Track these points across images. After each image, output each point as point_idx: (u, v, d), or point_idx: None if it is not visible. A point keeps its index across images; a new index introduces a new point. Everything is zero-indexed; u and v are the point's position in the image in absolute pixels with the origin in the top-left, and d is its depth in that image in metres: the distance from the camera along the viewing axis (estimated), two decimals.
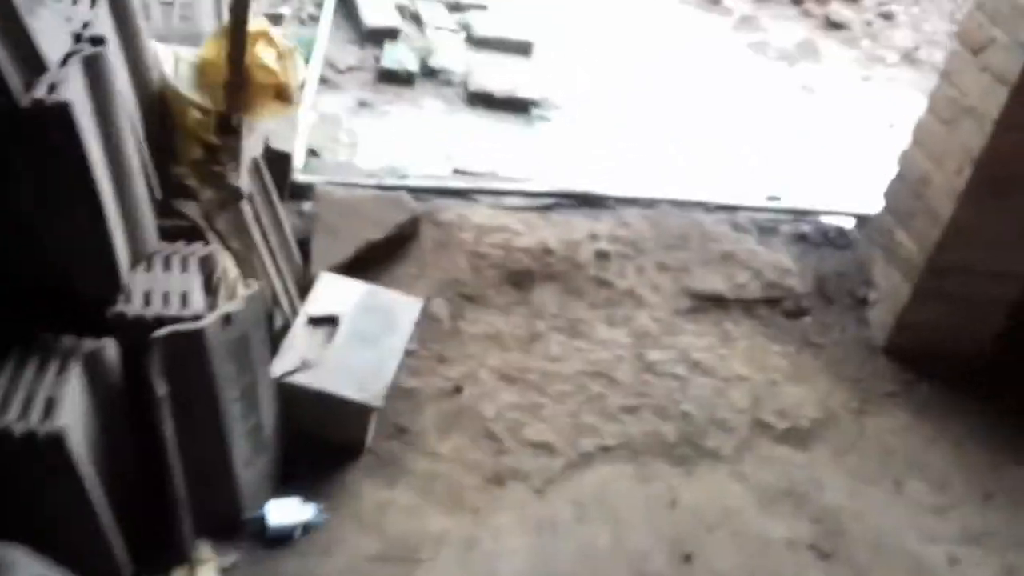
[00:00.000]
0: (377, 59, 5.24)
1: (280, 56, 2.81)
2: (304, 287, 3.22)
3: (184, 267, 2.52)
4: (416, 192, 3.73)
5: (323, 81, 5.01)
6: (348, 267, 3.37)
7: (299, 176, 3.66)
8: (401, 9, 5.64)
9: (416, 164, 4.59)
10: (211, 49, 2.80)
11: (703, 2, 7.40)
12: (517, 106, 5.27)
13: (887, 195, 3.80)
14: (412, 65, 5.21)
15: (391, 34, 5.36)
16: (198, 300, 2.43)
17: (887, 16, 7.48)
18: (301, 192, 3.64)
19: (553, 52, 5.97)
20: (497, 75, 5.38)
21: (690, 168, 4.89)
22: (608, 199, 3.91)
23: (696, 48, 6.68)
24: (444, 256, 3.48)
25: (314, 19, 5.38)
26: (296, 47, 2.89)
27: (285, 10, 5.40)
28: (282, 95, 2.83)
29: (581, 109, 5.48)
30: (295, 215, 3.57)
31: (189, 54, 2.84)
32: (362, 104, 4.98)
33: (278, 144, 3.59)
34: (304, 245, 3.42)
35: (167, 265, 2.52)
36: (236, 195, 2.69)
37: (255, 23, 2.84)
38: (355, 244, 3.38)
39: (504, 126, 5.14)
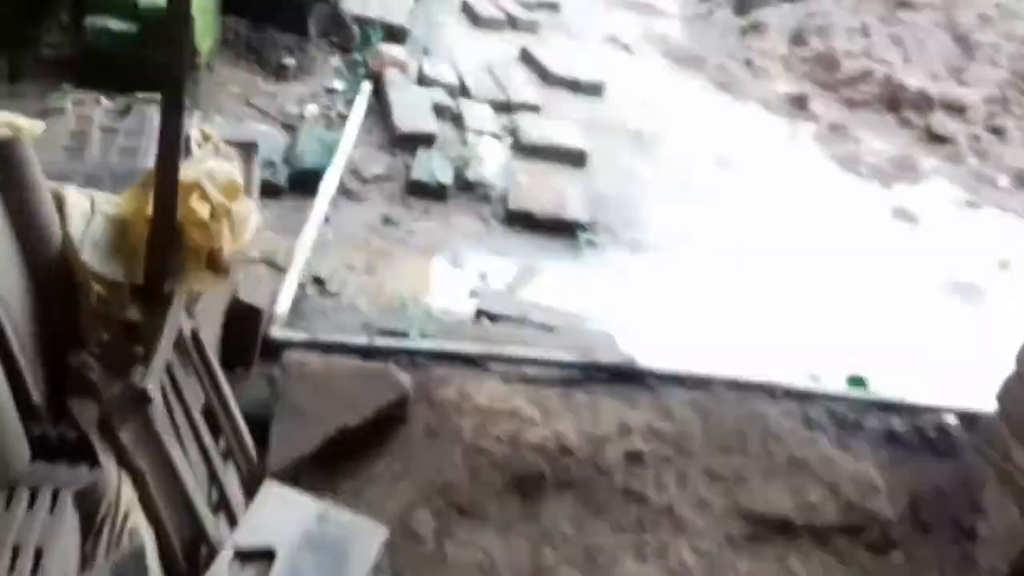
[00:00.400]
0: (408, 168, 4.65)
1: (214, 215, 2.20)
2: (259, 480, 2.57)
3: (54, 504, 1.90)
4: (414, 355, 3.08)
5: (345, 192, 4.44)
6: (314, 459, 2.72)
7: (275, 331, 3.04)
8: (441, 110, 5.07)
9: (435, 299, 3.97)
10: (132, 201, 2.21)
11: (786, 106, 6.68)
12: (562, 229, 4.61)
13: (1002, 398, 3.00)
14: (446, 177, 4.60)
15: (426, 140, 4.78)
16: (62, 559, 1.80)
17: (997, 130, 6.63)
18: (276, 350, 3.02)
19: (609, 163, 5.32)
20: (542, 190, 4.74)
21: (756, 322, 4.14)
22: (648, 375, 3.19)
23: (774, 161, 5.95)
24: (436, 449, 2.80)
25: (344, 119, 4.84)
26: (234, 207, 2.27)
27: (312, 108, 4.88)
28: (215, 263, 2.22)
29: (634, 233, 4.79)
30: (264, 381, 2.95)
31: (110, 204, 2.25)
32: (386, 221, 4.38)
33: (252, 293, 2.98)
34: (268, 423, 2.79)
35: (32, 502, 1.90)
36: (142, 398, 2.06)
37: (189, 170, 2.25)
38: (324, 430, 2.73)
39: (545, 254, 4.47)
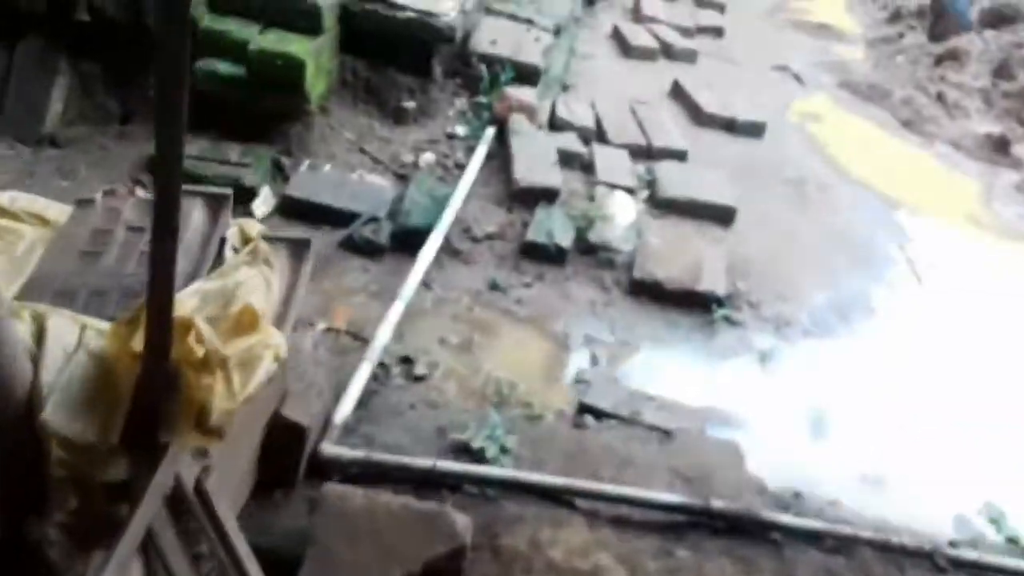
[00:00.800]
0: (525, 226, 4.18)
1: (207, 363, 1.80)
2: None
3: None
4: (483, 485, 2.61)
5: (451, 252, 4.02)
6: None
7: (326, 447, 2.64)
8: (569, 158, 4.56)
9: (534, 386, 3.48)
10: (117, 339, 1.85)
11: (984, 149, 5.74)
12: (695, 302, 4.00)
13: None
14: (565, 238, 4.09)
15: (547, 195, 4.28)
16: None
17: None
18: (325, 469, 2.62)
19: (761, 220, 4.64)
20: (675, 255, 4.14)
21: (927, 443, 3.39)
22: (773, 527, 2.58)
23: (968, 218, 5.08)
24: None
25: (462, 168, 4.43)
26: (240, 348, 1.87)
27: (428, 156, 4.49)
28: (202, 421, 1.82)
29: (783, 309, 4.11)
30: (306, 508, 2.55)
31: (100, 335, 1.91)
32: (493, 286, 3.92)
33: (299, 407, 2.57)
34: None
35: None
36: None
37: (188, 303, 1.87)
38: None
39: (671, 332, 3.88)
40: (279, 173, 4.22)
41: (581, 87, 5.54)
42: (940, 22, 6.94)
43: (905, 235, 4.83)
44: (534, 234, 4.10)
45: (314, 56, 4.21)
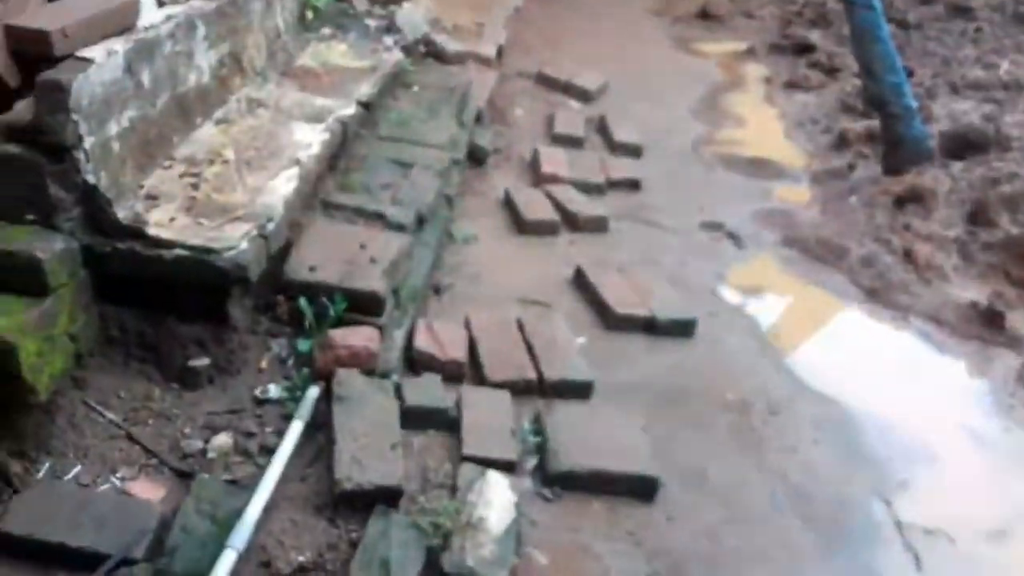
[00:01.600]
0: (355, 545, 2.88)
1: None
2: None
3: None
4: None
5: None
6: None
7: None
8: (424, 417, 3.30)
9: None
10: None
11: (972, 324, 4.58)
12: None
13: None
14: (409, 572, 2.80)
15: (385, 496, 3.00)
16: None
17: None
18: None
19: (696, 484, 3.40)
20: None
21: None
22: None
23: (970, 438, 3.88)
24: None
25: (271, 453, 3.14)
26: None
27: (222, 439, 3.18)
28: None
29: None
30: None
31: None
32: None
33: None
34: None
35: None
36: None
37: None
38: None
39: None
40: (7, 487, 2.93)
41: (457, 288, 4.33)
42: (894, 151, 5.87)
43: (890, 480, 3.61)
44: (362, 569, 2.80)
45: (37, 328, 2.95)
